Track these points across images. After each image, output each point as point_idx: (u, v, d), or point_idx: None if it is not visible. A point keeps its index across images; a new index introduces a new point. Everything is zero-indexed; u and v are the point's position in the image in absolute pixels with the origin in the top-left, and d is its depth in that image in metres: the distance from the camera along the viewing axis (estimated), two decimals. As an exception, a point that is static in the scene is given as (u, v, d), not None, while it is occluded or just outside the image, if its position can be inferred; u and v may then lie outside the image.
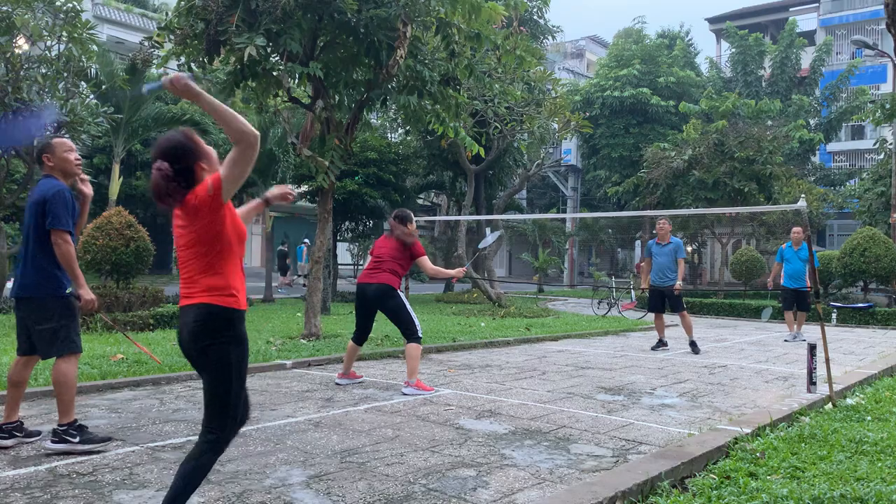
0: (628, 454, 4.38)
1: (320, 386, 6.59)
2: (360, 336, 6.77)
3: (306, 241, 28.90)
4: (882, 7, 4.31)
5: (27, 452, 4.13)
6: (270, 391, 6.23)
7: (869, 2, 36.49)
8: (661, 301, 9.90)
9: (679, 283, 9.71)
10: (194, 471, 2.79)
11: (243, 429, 4.74)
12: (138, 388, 6.23)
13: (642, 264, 11.03)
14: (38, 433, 4.40)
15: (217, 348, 2.80)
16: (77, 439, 4.14)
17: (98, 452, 4.12)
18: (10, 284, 15.93)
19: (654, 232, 10.93)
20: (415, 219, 6.85)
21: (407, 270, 6.74)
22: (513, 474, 3.92)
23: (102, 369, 6.46)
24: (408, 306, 6.56)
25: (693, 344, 9.76)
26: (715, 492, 3.59)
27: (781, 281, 11.79)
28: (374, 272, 6.54)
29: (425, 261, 6.65)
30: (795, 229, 11.59)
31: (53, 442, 4.13)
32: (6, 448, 4.16)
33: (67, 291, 4.24)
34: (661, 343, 10.08)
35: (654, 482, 3.69)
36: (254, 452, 4.22)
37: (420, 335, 6.49)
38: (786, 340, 11.56)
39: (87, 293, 4.27)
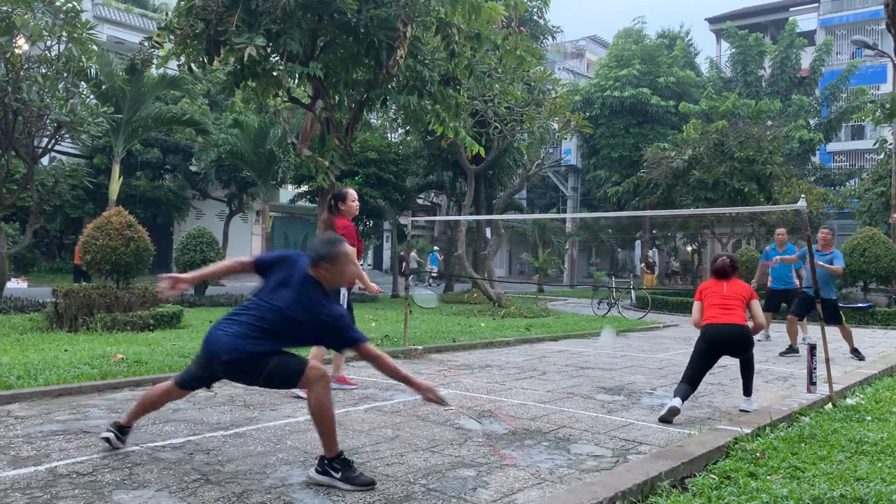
0: (628, 454, 4.38)
1: (320, 386, 6.57)
2: None
3: (436, 247, 34.81)
4: (882, 7, 4.31)
5: (27, 452, 4.12)
6: (270, 391, 6.22)
7: (869, 2, 36.51)
8: (805, 308, 9.53)
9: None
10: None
11: (243, 429, 4.76)
12: (138, 388, 6.22)
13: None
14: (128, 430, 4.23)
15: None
16: (339, 475, 3.70)
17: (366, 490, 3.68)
18: (11, 284, 15.94)
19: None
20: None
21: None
22: (513, 474, 3.92)
23: (102, 369, 6.45)
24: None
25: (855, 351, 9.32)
26: (715, 492, 3.59)
27: (770, 283, 11.28)
28: None
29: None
30: (779, 230, 11.14)
31: (317, 472, 3.75)
32: (116, 449, 4.08)
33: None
34: (792, 349, 9.78)
35: (654, 482, 3.69)
36: (254, 452, 4.22)
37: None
38: (758, 340, 11.17)
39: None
